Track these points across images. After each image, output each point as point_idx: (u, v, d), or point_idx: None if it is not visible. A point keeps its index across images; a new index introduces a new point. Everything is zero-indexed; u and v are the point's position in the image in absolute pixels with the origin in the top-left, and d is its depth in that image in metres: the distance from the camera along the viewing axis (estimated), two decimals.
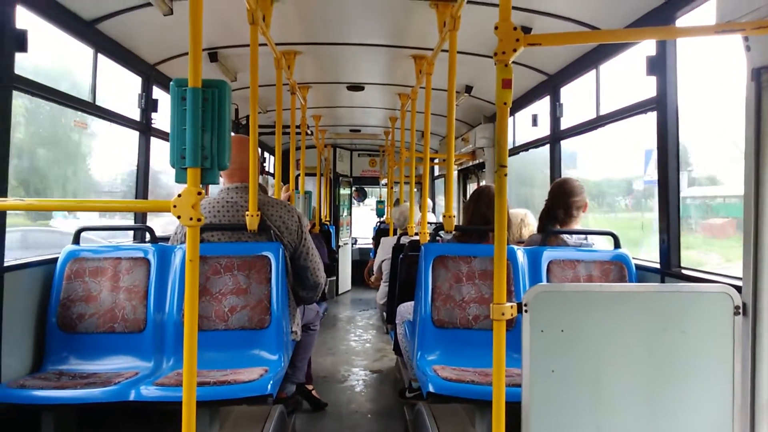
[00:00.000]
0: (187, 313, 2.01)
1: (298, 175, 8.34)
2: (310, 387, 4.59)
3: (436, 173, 10.85)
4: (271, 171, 8.95)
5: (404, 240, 4.94)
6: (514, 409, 2.16)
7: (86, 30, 3.61)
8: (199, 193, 2.01)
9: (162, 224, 5.42)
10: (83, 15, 3.52)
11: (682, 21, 3.17)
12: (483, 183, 8.27)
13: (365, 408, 4.69)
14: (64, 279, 3.23)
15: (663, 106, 3.22)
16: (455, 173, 9.51)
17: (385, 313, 6.81)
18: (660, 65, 3.21)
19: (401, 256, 4.18)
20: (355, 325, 8.05)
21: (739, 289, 2.19)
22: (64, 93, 3.41)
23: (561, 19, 3.73)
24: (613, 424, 2.17)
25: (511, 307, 2.10)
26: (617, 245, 3.59)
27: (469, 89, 5.93)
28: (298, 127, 6.44)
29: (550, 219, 3.80)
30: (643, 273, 3.51)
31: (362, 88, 6.34)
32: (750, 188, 2.15)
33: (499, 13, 2.06)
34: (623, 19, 3.54)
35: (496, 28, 2.05)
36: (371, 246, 9.87)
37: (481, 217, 3.75)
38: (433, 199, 11.00)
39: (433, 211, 10.00)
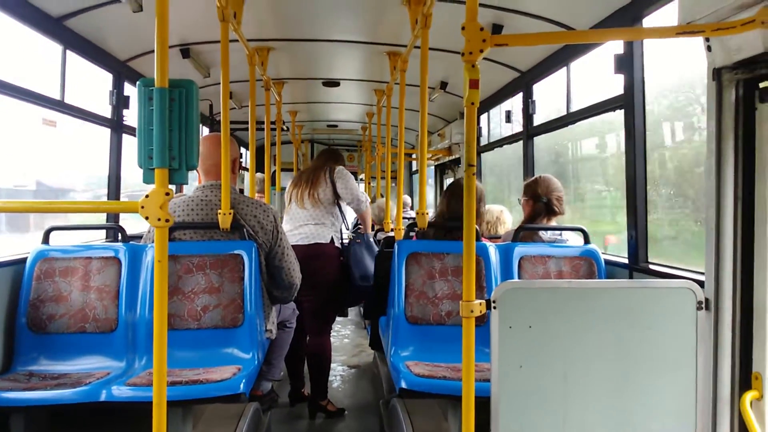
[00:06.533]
0: (156, 314, 2.01)
1: (275, 171, 8.31)
2: (323, 402, 4.49)
3: (414, 168, 10.89)
4: (247, 166, 8.90)
5: (380, 236, 4.96)
6: (484, 404, 2.19)
7: (54, 27, 3.56)
8: (167, 194, 2.00)
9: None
10: (51, 12, 3.46)
11: (650, 19, 3.22)
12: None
13: (342, 404, 4.70)
14: (33, 279, 3.19)
15: (630, 103, 3.27)
16: (432, 168, 9.56)
17: (362, 309, 6.82)
18: (627, 63, 3.26)
19: (377, 252, 4.20)
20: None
21: (702, 284, 2.25)
22: (31, 91, 3.36)
23: (531, 17, 3.77)
24: (580, 419, 2.21)
25: (480, 304, 2.13)
26: (587, 241, 3.65)
27: (444, 85, 5.95)
28: (273, 122, 6.41)
29: (536, 215, 3.81)
30: (611, 268, 3.57)
31: (338, 84, 6.33)
32: (711, 184, 2.20)
33: (465, 14, 2.08)
34: (592, 17, 3.58)
35: (463, 28, 2.07)
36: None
37: (454, 211, 3.77)
38: (411, 194, 11.04)
39: (412, 207, 10.04)
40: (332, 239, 4.42)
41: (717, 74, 2.16)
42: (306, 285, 3.87)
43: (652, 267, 3.24)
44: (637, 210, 3.30)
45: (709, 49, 2.18)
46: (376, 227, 6.71)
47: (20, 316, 3.14)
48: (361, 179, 11.56)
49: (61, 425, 3.08)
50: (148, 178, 2.03)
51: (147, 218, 1.99)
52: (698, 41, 2.22)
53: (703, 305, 2.23)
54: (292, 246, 3.71)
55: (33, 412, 2.83)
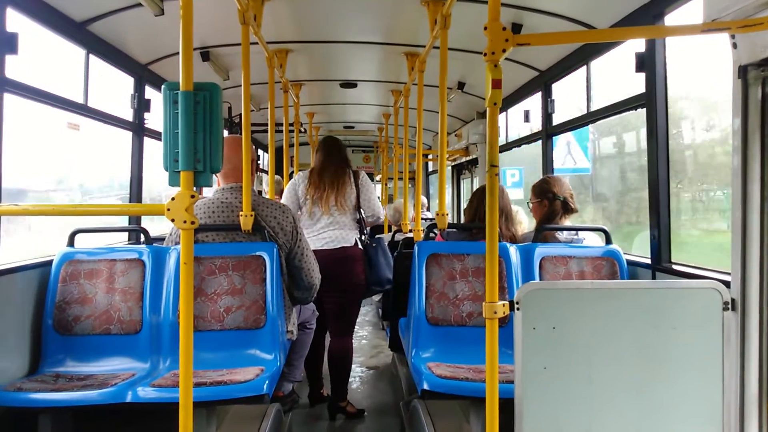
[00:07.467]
0: (182, 316, 2.03)
1: (292, 172, 8.35)
2: (343, 404, 4.50)
3: (431, 169, 10.88)
4: (266, 168, 8.96)
5: (399, 237, 4.96)
6: (507, 405, 2.18)
7: (77, 31, 3.61)
8: (192, 196, 2.02)
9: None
10: (74, 16, 3.51)
11: (672, 17, 3.18)
12: (476, 179, 8.30)
13: (362, 405, 4.70)
14: (59, 281, 3.24)
15: (652, 102, 3.24)
16: (449, 169, 9.54)
17: (380, 310, 6.82)
18: (649, 62, 3.23)
19: (396, 253, 4.20)
20: None
21: (727, 284, 2.22)
22: (56, 95, 3.41)
23: (551, 16, 3.75)
24: (605, 420, 2.19)
25: (503, 305, 2.13)
26: (608, 241, 3.62)
27: (461, 85, 5.94)
28: (291, 124, 6.45)
29: (555, 214, 3.81)
30: (634, 268, 3.54)
31: (355, 85, 6.35)
32: (737, 183, 2.17)
33: (488, 13, 2.08)
34: (613, 15, 3.56)
35: (485, 28, 2.07)
36: None
37: (484, 213, 3.77)
38: (427, 194, 11.04)
39: (429, 208, 10.04)
40: (356, 241, 4.42)
41: (743, 72, 2.13)
42: (332, 288, 3.85)
43: (675, 267, 3.21)
44: (660, 209, 3.27)
45: (734, 46, 2.15)
46: (393, 228, 6.72)
47: (47, 318, 3.18)
48: (378, 180, 11.59)
49: (87, 426, 3.12)
50: (173, 181, 2.05)
51: (173, 220, 2.01)
52: (725, 39, 2.20)
53: (730, 306, 2.20)
54: (315, 250, 3.70)
55: (60, 413, 2.87)
